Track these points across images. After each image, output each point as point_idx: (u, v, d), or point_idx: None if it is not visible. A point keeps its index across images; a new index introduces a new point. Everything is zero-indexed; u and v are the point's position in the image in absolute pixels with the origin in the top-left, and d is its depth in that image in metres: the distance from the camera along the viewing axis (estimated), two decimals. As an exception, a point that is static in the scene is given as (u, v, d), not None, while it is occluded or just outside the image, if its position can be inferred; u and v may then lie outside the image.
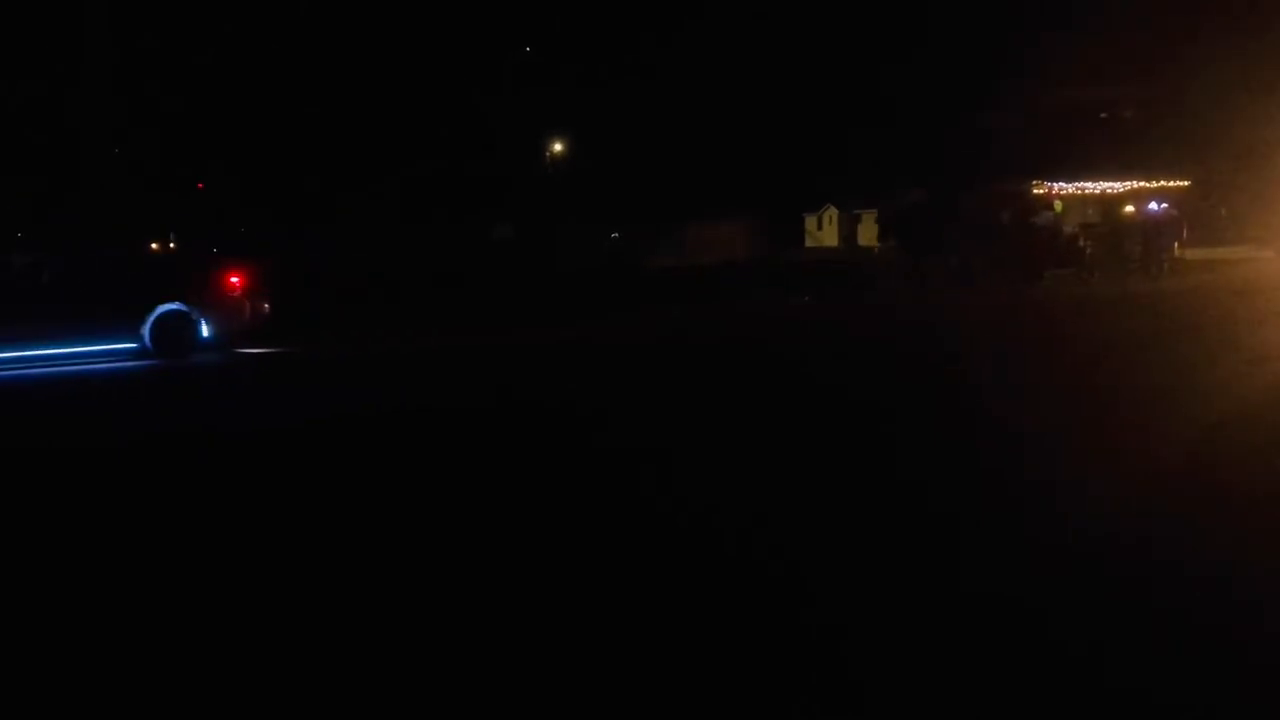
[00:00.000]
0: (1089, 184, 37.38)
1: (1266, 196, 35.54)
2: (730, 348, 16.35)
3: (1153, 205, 35.93)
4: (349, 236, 32.96)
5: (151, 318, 17.08)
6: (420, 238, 33.50)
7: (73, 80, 30.01)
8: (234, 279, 18.23)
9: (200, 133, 32.66)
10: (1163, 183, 37.01)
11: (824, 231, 63.20)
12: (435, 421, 9.93)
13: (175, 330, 17.28)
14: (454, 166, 34.17)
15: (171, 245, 33.73)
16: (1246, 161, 36.15)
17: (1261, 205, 35.76)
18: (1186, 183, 37.34)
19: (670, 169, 35.34)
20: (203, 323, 17.49)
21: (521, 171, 37.02)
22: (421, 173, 34.00)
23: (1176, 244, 32.90)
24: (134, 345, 17.13)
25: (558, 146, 39.64)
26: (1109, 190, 37.43)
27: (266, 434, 9.73)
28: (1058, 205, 32.91)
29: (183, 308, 17.40)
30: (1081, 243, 30.97)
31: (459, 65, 34.59)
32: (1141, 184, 36.96)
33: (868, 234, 45.78)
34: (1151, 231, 31.77)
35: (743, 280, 28.15)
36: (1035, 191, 35.30)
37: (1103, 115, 38.81)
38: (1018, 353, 14.07)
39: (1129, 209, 35.95)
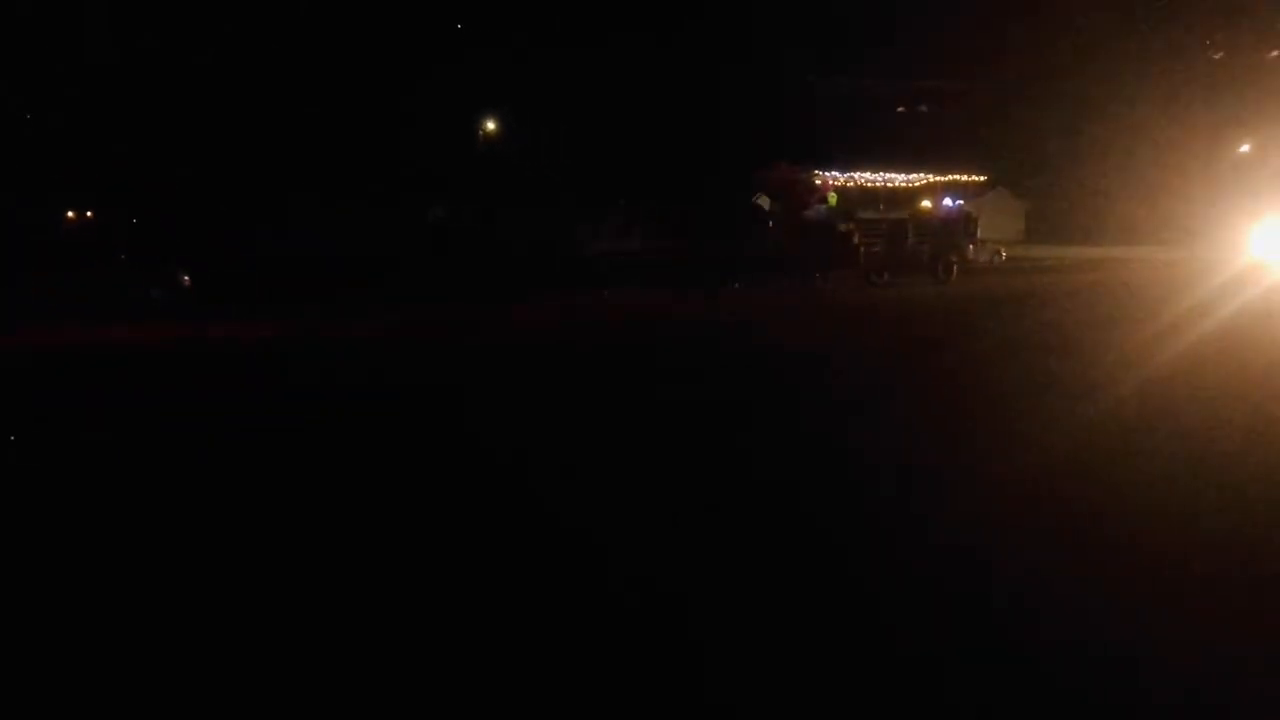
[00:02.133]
0: (873, 175, 33.59)
1: (1175, 198, 32.96)
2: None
3: (947, 201, 32.58)
4: (301, 227, 32.54)
5: None
6: (357, 223, 33.01)
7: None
8: None
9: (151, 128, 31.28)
10: (955, 177, 33.48)
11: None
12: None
13: None
14: (391, 152, 32.98)
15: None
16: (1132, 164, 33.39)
17: (1169, 207, 33.17)
18: (983, 177, 33.94)
19: (613, 152, 32.35)
20: None
21: (457, 154, 35.43)
22: (362, 163, 32.84)
23: (971, 245, 29.56)
24: None
25: (490, 125, 36.96)
26: (900, 183, 33.75)
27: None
28: (832, 198, 29.02)
29: None
30: (855, 241, 27.07)
31: (391, 51, 32.89)
32: (935, 177, 33.35)
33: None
34: (939, 230, 28.14)
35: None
36: (812, 181, 31.36)
37: (900, 110, 35.14)
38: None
39: (925, 204, 32.59)
